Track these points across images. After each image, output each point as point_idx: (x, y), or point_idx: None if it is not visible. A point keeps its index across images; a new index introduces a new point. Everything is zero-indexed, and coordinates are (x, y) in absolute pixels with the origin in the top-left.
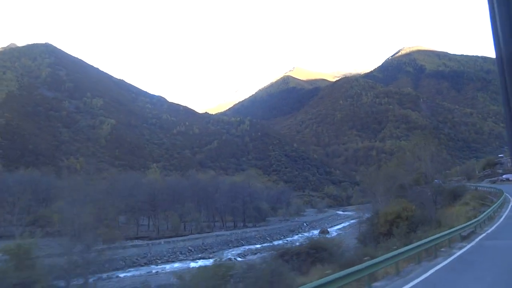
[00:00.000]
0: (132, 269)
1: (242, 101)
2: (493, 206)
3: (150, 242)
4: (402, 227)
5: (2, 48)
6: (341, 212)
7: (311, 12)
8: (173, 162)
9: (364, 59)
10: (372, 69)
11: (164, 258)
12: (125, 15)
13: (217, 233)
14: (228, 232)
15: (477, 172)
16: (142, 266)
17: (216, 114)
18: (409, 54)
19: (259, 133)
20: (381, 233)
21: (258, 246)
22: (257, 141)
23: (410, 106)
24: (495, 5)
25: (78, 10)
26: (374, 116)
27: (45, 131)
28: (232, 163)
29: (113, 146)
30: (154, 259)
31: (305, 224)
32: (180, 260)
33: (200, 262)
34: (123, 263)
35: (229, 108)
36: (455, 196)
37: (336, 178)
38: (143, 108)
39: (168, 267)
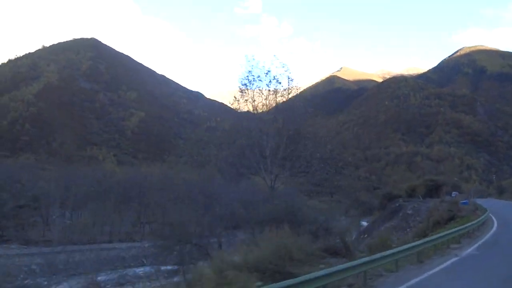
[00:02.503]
0: None
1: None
2: None
3: None
4: None
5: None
6: (364, 223)
7: (365, 11)
8: (196, 157)
9: (418, 60)
10: (426, 70)
11: None
12: (181, 13)
13: (123, 245)
14: (126, 245)
15: None
16: None
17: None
18: (468, 54)
19: (290, 132)
20: None
21: (169, 267)
22: (287, 141)
23: (464, 109)
24: None
25: (129, 8)
26: (422, 119)
27: (76, 121)
28: (256, 162)
29: (139, 139)
30: None
31: None
32: None
33: None
34: None
35: (271, 108)
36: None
37: (370, 184)
38: (177, 102)
39: None
